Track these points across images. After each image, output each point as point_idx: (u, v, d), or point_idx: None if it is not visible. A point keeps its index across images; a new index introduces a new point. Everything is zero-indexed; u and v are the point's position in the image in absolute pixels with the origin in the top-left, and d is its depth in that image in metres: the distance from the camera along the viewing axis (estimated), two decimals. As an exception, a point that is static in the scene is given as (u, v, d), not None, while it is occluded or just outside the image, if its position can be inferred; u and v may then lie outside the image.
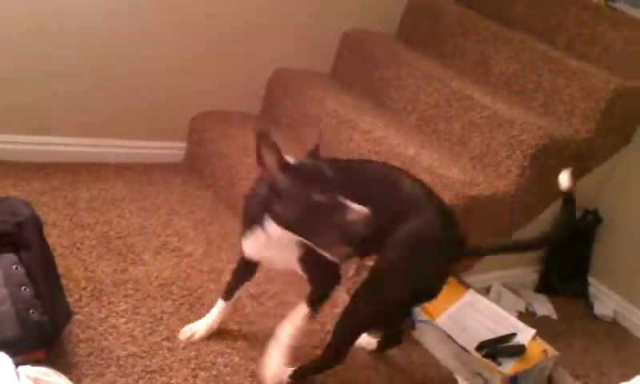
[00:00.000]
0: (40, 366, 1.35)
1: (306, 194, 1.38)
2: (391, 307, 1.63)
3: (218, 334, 1.76)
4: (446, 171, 2.21)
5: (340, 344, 1.64)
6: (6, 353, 1.33)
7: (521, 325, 2.11)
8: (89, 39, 2.25)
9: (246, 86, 2.76)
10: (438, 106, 2.54)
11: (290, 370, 1.66)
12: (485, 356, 1.92)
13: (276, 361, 1.62)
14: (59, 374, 1.38)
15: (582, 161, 2.54)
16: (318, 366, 1.68)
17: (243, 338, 1.79)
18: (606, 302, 2.99)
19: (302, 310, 1.61)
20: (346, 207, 1.36)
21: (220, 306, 1.76)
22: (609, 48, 2.78)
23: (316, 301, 1.61)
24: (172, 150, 2.65)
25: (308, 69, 2.88)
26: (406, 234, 1.55)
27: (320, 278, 1.60)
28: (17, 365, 1.32)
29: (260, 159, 1.40)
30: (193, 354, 1.66)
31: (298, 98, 2.67)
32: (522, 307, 2.67)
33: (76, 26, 2.21)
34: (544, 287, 2.94)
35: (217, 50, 2.56)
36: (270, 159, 1.40)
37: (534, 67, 2.64)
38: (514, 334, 2.05)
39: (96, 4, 2.21)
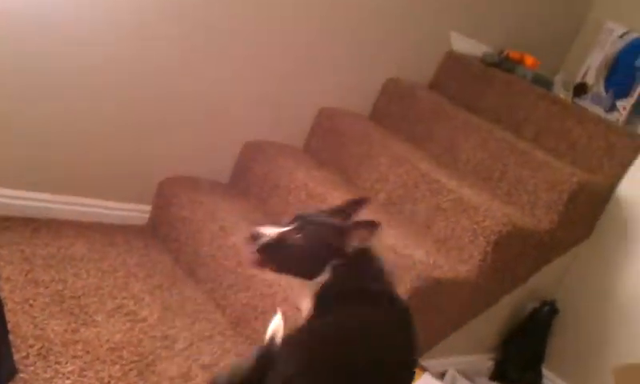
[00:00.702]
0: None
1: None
2: None
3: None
4: (410, 252, 2.22)
5: None
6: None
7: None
8: (56, 93, 2.24)
9: (216, 154, 2.77)
10: (405, 186, 2.57)
11: None
12: (438, 443, 1.89)
13: None
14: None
15: (544, 251, 2.57)
16: None
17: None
18: (559, 393, 2.98)
19: None
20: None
21: None
22: (575, 143, 2.87)
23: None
24: (136, 212, 2.63)
25: (281, 142, 2.91)
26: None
27: None
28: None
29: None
30: (137, 422, 1.61)
31: (269, 168, 2.69)
32: (475, 395, 2.65)
33: (41, 79, 2.20)
34: (499, 375, 2.92)
35: (189, 116, 2.58)
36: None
37: (500, 156, 2.69)
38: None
39: (66, 60, 2.21)
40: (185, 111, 2.55)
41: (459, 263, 2.32)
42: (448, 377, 2.57)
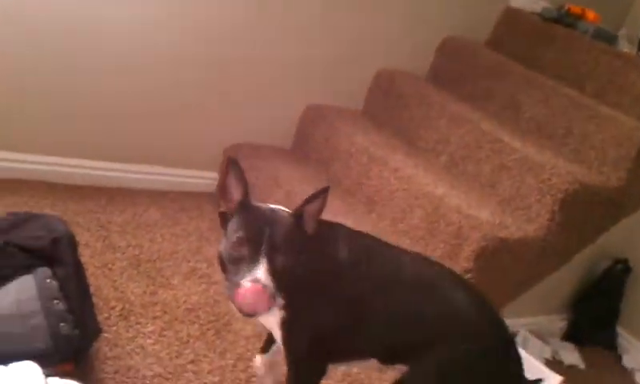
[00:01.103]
0: (68, 378, 1.37)
1: (236, 239, 1.28)
2: None
3: (243, 361, 1.77)
4: (475, 212, 2.21)
5: None
6: (37, 363, 1.36)
7: (547, 371, 2.07)
8: (128, 67, 2.31)
9: (278, 121, 2.80)
10: (467, 147, 2.55)
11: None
12: (510, 400, 1.89)
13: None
14: (86, 388, 1.40)
15: (613, 209, 2.52)
16: None
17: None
18: (635, 354, 2.94)
19: None
20: (246, 274, 1.23)
21: (258, 360, 1.65)
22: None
23: None
24: (205, 179, 2.70)
25: (340, 106, 2.92)
26: (444, 362, 1.38)
27: (292, 359, 1.45)
28: (46, 376, 1.35)
29: (224, 189, 1.36)
30: (217, 378, 1.68)
31: (329, 133, 2.71)
32: (548, 355, 2.64)
33: (114, 52, 2.28)
34: (571, 336, 2.91)
35: (253, 84, 2.62)
36: (235, 192, 1.34)
37: (564, 112, 2.65)
38: (540, 380, 2.01)
39: (135, 31, 2.28)
40: (247, 79, 2.58)
41: (526, 223, 2.30)
42: (519, 337, 2.57)
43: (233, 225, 1.31)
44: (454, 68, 3.05)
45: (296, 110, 2.83)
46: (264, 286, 1.22)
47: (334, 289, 1.39)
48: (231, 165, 1.34)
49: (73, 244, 1.64)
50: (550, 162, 2.35)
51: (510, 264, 2.25)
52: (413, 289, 1.43)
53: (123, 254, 2.06)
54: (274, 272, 1.24)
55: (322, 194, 1.34)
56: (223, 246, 1.32)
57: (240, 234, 1.28)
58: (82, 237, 2.01)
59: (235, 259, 1.27)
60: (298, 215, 1.34)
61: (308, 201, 1.34)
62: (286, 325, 1.40)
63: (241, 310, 1.25)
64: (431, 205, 2.24)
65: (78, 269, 1.62)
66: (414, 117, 2.78)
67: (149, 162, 2.53)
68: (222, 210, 1.38)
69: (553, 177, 2.30)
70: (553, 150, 2.55)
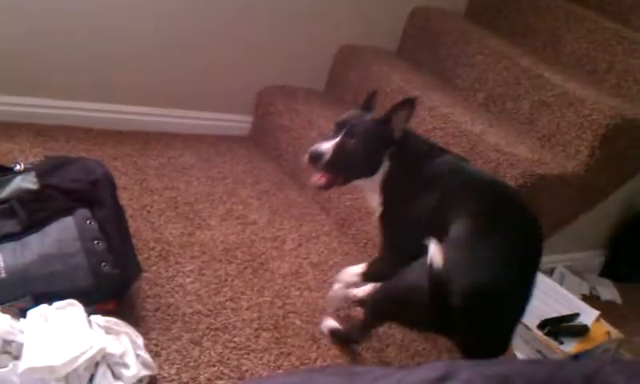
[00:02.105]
0: (110, 316, 1.41)
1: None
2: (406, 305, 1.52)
3: (280, 298, 1.80)
4: (513, 149, 2.17)
5: (368, 319, 1.65)
6: (79, 301, 1.40)
7: (584, 306, 2.07)
8: (160, 12, 2.30)
9: (311, 62, 2.78)
10: (506, 84, 2.49)
11: (332, 326, 1.73)
12: (547, 334, 1.90)
13: (336, 293, 1.79)
14: (128, 325, 1.44)
15: (656, 143, 2.46)
16: (349, 335, 1.70)
17: (304, 303, 1.82)
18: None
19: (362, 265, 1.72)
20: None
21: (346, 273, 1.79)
22: (688, 30, 2.68)
23: (374, 265, 1.69)
24: (239, 122, 2.71)
25: (373, 46, 2.87)
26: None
27: (384, 246, 1.66)
28: (88, 314, 1.39)
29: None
30: (256, 315, 1.70)
31: (364, 73, 2.67)
32: (585, 290, 2.62)
33: (147, 4, 2.27)
34: (609, 273, 2.87)
35: (284, 25, 2.59)
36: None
37: (607, 46, 2.56)
38: (577, 315, 2.01)
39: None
40: (278, 20, 2.55)
41: (565, 159, 2.25)
42: (556, 274, 2.56)
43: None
44: (492, 3, 2.96)
45: (329, 51, 2.79)
46: (321, 152, 1.52)
47: (421, 193, 1.57)
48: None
49: (111, 185, 1.67)
50: (592, 96, 2.29)
51: (549, 201, 2.22)
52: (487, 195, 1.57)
53: (161, 196, 2.08)
54: (340, 151, 1.53)
55: (410, 103, 1.55)
56: None
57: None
58: (119, 180, 2.03)
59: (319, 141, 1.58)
60: (384, 119, 1.58)
61: (396, 108, 1.56)
62: (382, 218, 1.64)
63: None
64: (469, 143, 2.21)
65: (117, 210, 1.65)
66: (451, 54, 2.72)
67: (183, 106, 2.54)
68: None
69: (594, 112, 2.24)
70: (594, 85, 2.48)
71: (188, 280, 1.75)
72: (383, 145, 1.58)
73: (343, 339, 1.71)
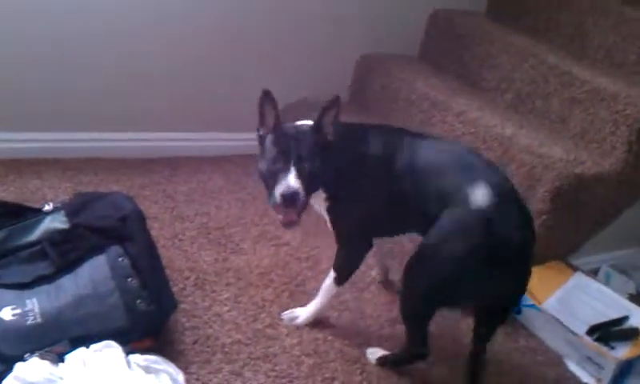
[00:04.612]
0: (149, 354, 1.39)
1: (271, 156, 1.52)
2: (441, 286, 1.51)
3: (319, 320, 1.76)
4: (547, 150, 2.12)
5: (411, 330, 1.60)
6: (116, 342, 1.37)
7: (633, 307, 2.00)
8: (182, 39, 2.30)
9: (332, 75, 2.74)
10: (534, 82, 2.44)
11: (379, 354, 1.68)
12: (596, 340, 1.84)
13: (307, 313, 1.76)
14: (167, 361, 1.41)
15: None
16: (401, 357, 1.66)
17: (344, 324, 1.79)
18: None
19: (331, 275, 1.72)
20: (282, 179, 1.47)
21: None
22: None
23: (340, 267, 1.70)
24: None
25: (394, 53, 2.83)
26: (451, 221, 1.48)
27: (341, 239, 1.69)
28: (127, 353, 1.37)
29: (260, 117, 1.58)
30: (296, 341, 1.67)
31: (387, 82, 2.64)
32: (632, 289, 2.54)
33: (169, 29, 2.27)
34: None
35: (304, 42, 2.58)
36: (269, 117, 1.56)
37: (634, 38, 2.49)
38: (626, 317, 1.94)
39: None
40: (297, 36, 2.53)
41: (601, 156, 2.19)
42: (601, 274, 2.48)
43: (268, 144, 1.55)
44: (514, 1, 2.90)
45: (349, 61, 2.77)
46: (295, 190, 1.45)
47: (368, 178, 1.60)
48: (265, 95, 1.56)
49: (141, 219, 1.65)
50: (624, 90, 2.22)
51: (587, 201, 2.16)
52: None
53: (192, 223, 2.06)
54: (302, 176, 1.47)
55: (333, 104, 1.54)
56: (261, 164, 1.55)
57: (274, 151, 1.51)
58: (150, 210, 2.03)
59: (272, 173, 1.50)
60: (317, 127, 1.56)
61: (323, 112, 1.55)
62: (331, 211, 1.66)
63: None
64: (500, 147, 2.16)
65: (149, 244, 1.63)
66: (475, 56, 2.67)
67: (209, 129, 2.52)
68: (260, 133, 1.60)
69: (627, 106, 2.17)
70: (625, 79, 2.40)
71: (225, 308, 1.73)
72: (324, 151, 1.55)
73: (395, 363, 1.67)
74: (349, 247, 1.69)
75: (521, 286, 1.54)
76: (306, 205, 1.52)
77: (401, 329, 1.65)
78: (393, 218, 1.63)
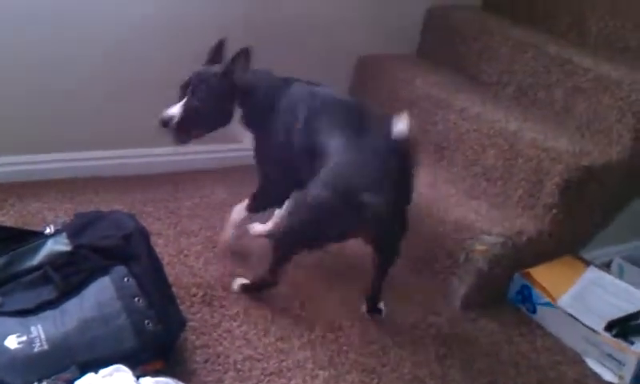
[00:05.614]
0: (160, 376, 1.35)
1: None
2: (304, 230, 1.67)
3: (333, 332, 1.73)
4: (553, 143, 2.09)
5: (275, 262, 1.74)
6: (126, 365, 1.34)
7: (647, 300, 1.97)
8: (183, 53, 2.23)
9: (331, 79, 2.62)
10: (535, 74, 2.41)
11: (242, 281, 1.81)
12: (615, 336, 1.80)
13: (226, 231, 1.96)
14: (179, 382, 1.38)
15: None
16: (258, 282, 1.79)
17: (357, 334, 1.75)
18: None
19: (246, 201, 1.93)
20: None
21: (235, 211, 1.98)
22: None
23: (254, 196, 1.92)
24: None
25: (392, 53, 2.80)
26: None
27: (259, 174, 1.91)
28: (137, 377, 1.33)
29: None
30: (309, 353, 1.64)
31: (386, 82, 2.61)
32: (646, 281, 2.50)
33: (168, 42, 2.24)
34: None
35: (302, 47, 2.52)
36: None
37: (636, 21, 2.46)
38: (641, 312, 1.91)
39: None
40: (295, 40, 2.49)
41: (608, 146, 2.16)
42: (614, 266, 2.44)
43: None
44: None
45: (347, 63, 2.73)
46: (170, 116, 1.72)
47: (277, 124, 1.80)
48: (219, 43, 1.85)
49: (145, 237, 1.61)
50: (628, 76, 2.20)
51: (597, 192, 2.13)
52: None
53: (197, 237, 2.03)
54: (187, 110, 1.72)
55: (245, 52, 1.74)
56: None
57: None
58: (153, 226, 1.99)
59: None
60: (224, 72, 1.76)
61: (232, 60, 1.75)
62: (253, 148, 1.88)
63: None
64: (506, 142, 2.14)
65: (154, 262, 1.59)
66: (474, 50, 2.64)
67: (209, 141, 2.47)
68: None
69: (632, 93, 2.15)
70: (628, 65, 2.37)
71: (235, 324, 1.69)
72: (228, 94, 1.78)
73: (258, 288, 1.79)
74: (264, 182, 1.90)
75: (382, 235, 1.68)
76: (192, 133, 1.78)
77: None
78: (300, 168, 1.75)
